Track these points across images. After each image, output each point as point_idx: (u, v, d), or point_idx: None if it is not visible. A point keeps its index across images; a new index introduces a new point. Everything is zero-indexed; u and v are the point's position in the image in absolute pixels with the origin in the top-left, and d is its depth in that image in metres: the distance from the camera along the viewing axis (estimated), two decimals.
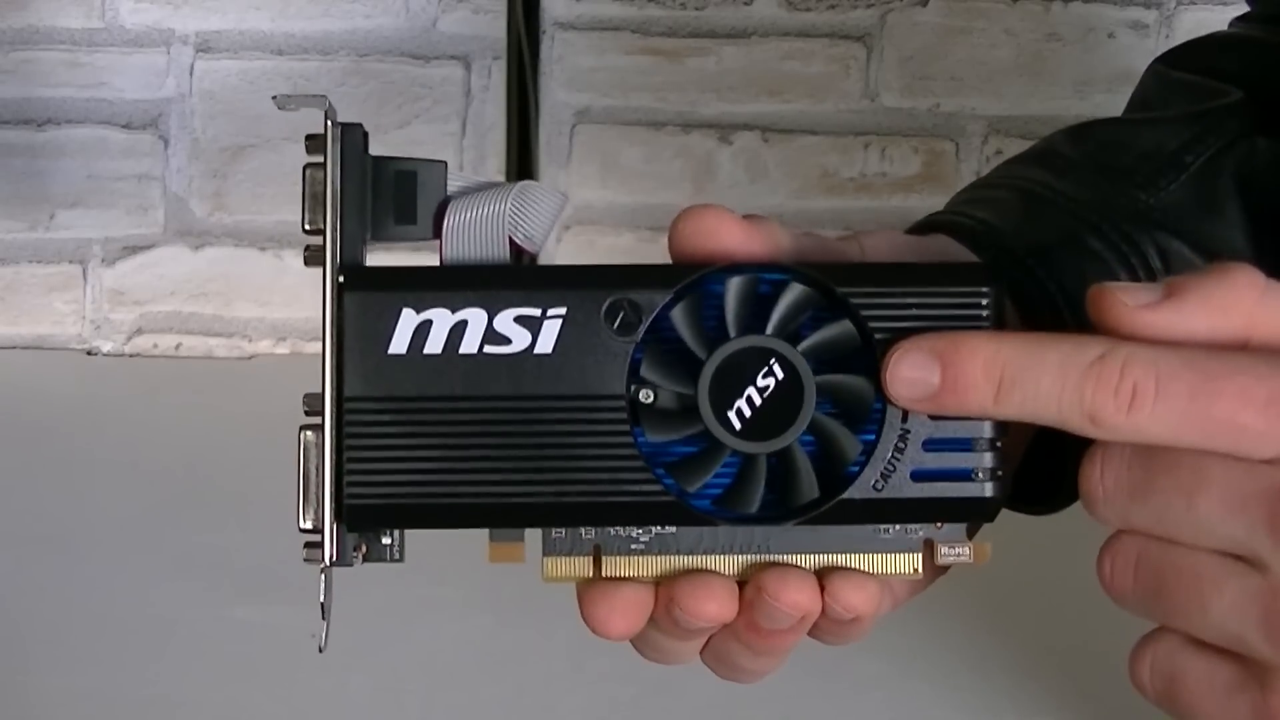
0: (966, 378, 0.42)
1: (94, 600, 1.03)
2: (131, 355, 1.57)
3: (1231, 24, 0.70)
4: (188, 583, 1.05)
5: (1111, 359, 0.40)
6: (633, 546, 0.45)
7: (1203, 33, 0.69)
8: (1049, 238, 0.55)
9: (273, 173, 1.56)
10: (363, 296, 0.43)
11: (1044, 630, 0.99)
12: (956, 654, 0.96)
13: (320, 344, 0.43)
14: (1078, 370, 0.41)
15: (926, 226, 0.56)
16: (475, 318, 0.43)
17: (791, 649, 0.47)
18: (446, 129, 1.55)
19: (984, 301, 0.44)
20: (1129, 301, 0.41)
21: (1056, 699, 0.92)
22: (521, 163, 1.55)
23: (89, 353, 1.57)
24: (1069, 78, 1.57)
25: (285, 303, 1.57)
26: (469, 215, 0.45)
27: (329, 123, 0.43)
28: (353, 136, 0.43)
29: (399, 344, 0.43)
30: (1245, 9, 0.69)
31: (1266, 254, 0.59)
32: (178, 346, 1.57)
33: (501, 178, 1.55)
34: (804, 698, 0.91)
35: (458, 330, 0.43)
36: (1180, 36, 1.55)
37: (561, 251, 1.57)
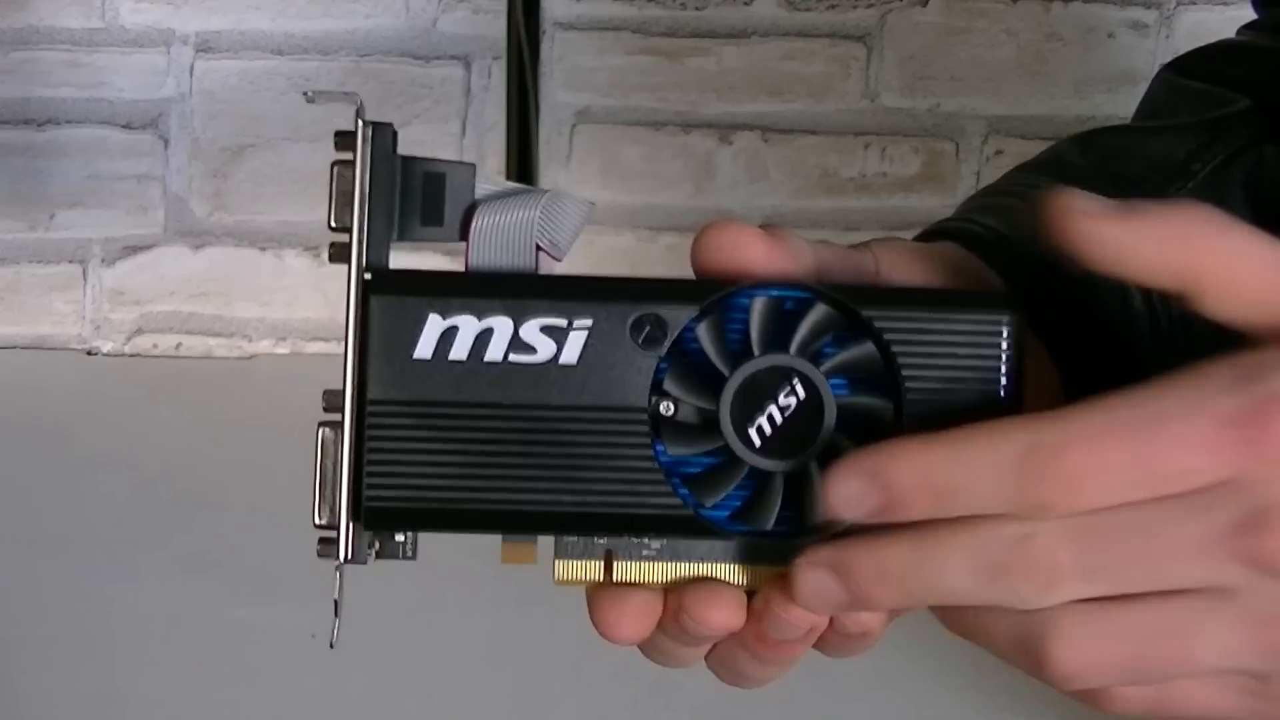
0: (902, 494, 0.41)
1: (94, 600, 1.03)
2: (131, 355, 1.57)
3: (1239, 31, 0.70)
4: (188, 583, 1.05)
5: (1037, 447, 0.40)
6: (644, 553, 0.45)
7: (1202, 33, 0.69)
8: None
9: (273, 173, 1.56)
10: (389, 300, 0.43)
11: None
12: (957, 654, 0.96)
13: (343, 343, 0.43)
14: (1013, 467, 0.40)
15: (936, 234, 0.56)
16: (501, 326, 0.43)
17: (798, 659, 0.47)
18: (446, 129, 1.55)
19: (1004, 331, 0.44)
20: (1084, 209, 0.41)
21: (1056, 699, 0.91)
22: (521, 163, 1.55)
23: (89, 353, 1.57)
24: (1069, 78, 1.57)
25: (285, 303, 1.57)
26: (497, 220, 0.45)
27: (360, 121, 0.43)
28: (383, 136, 0.43)
29: (424, 349, 0.43)
30: (1249, 11, 0.69)
31: None
32: (178, 346, 1.57)
33: (501, 178, 1.55)
34: (804, 698, 0.91)
35: (483, 338, 0.43)
36: (1180, 36, 1.55)
37: None
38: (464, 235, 0.45)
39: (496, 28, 1.54)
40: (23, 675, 0.93)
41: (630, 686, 0.91)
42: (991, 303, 0.45)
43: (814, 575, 0.43)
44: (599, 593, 0.45)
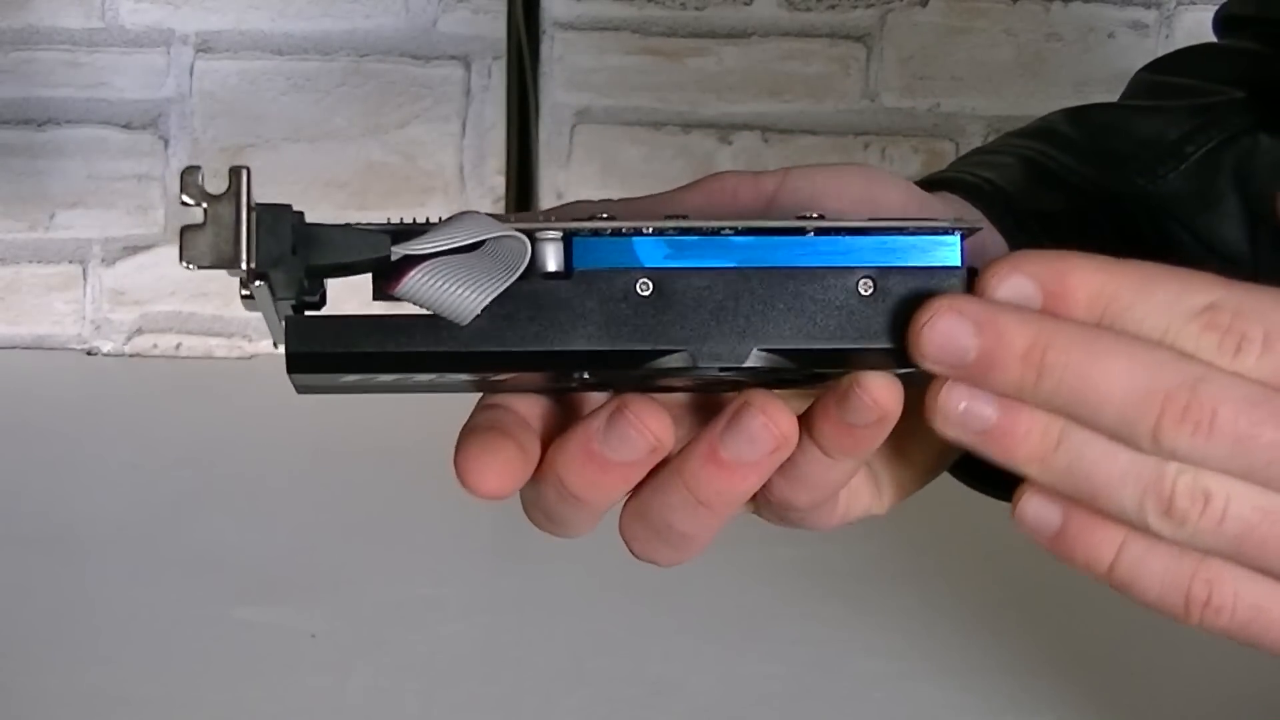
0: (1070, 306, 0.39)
1: (94, 600, 1.03)
2: (131, 355, 1.57)
3: (1220, 38, 0.70)
4: (188, 583, 1.05)
5: (1222, 307, 0.38)
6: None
7: (1202, 33, 0.70)
8: (1052, 206, 0.56)
9: (273, 172, 1.56)
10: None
11: (1044, 630, 0.99)
12: (956, 654, 0.96)
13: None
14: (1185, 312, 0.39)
15: (932, 184, 0.56)
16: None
17: (864, 456, 0.44)
18: (446, 129, 1.55)
19: None
20: None
21: (1056, 699, 0.92)
22: (521, 163, 1.55)
23: (89, 353, 1.57)
24: (1069, 78, 1.57)
25: None
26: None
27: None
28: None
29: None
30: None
31: (1263, 250, 0.59)
32: (178, 346, 1.57)
33: (501, 178, 1.55)
34: (804, 698, 0.91)
35: None
36: (1180, 36, 1.55)
37: None
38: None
39: (496, 28, 1.54)
40: (23, 675, 0.93)
41: (630, 686, 0.91)
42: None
43: (952, 321, 0.39)
44: (468, 438, 0.43)
